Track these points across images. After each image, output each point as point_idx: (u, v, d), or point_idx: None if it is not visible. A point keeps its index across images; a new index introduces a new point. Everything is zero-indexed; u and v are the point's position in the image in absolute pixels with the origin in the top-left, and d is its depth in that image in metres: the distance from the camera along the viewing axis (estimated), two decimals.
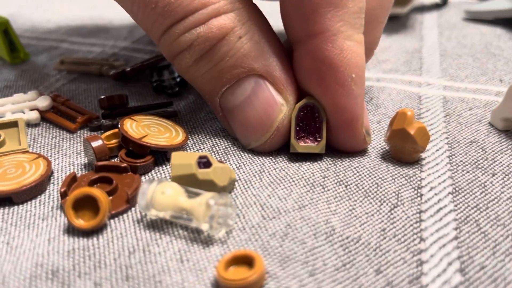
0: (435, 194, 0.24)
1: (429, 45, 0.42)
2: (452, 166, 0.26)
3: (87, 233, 0.22)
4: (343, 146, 0.27)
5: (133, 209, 0.23)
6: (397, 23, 0.47)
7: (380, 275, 0.20)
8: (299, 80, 0.26)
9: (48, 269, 0.20)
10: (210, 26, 0.24)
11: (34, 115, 0.30)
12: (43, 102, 0.30)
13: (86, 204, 0.22)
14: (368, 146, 0.28)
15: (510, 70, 0.37)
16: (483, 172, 0.26)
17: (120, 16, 0.49)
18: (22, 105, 0.31)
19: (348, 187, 0.25)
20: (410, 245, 0.21)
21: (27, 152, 0.27)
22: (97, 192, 0.22)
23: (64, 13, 0.52)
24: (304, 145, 0.26)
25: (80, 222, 0.22)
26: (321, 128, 0.26)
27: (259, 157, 0.27)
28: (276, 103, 0.25)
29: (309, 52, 0.25)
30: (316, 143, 0.26)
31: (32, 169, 0.25)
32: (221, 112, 0.27)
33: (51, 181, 0.25)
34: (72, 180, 0.24)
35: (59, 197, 0.24)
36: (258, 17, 0.26)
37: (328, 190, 0.24)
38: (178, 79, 0.34)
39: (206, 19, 0.24)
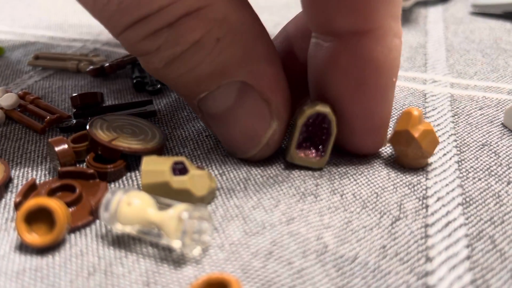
0: (443, 205, 0.21)
1: (435, 40, 0.39)
2: (461, 173, 0.23)
3: (42, 250, 0.19)
4: (360, 150, 0.24)
5: (97, 222, 0.20)
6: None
7: None
8: (318, 79, 0.22)
9: None
10: (180, 28, 0.19)
11: None
12: (8, 100, 0.28)
13: (41, 217, 0.19)
14: None
15: None
16: (497, 180, 0.23)
17: None
18: None
19: (343, 196, 0.22)
20: (414, 266, 0.18)
21: None
22: (54, 203, 0.19)
23: (47, 7, 0.49)
24: (304, 158, 0.23)
25: (33, 238, 0.19)
26: (327, 141, 0.23)
27: (246, 163, 0.24)
28: (264, 116, 0.22)
29: (352, 50, 0.21)
30: (318, 157, 0.23)
31: None
32: (200, 114, 0.23)
33: (9, 189, 0.22)
34: (30, 189, 0.21)
35: (9, 206, 0.21)
36: (241, 12, 0.21)
37: (321, 200, 0.21)
38: None
39: (175, 19, 0.19)
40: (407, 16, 0.45)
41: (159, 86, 0.31)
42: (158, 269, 0.18)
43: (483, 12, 0.45)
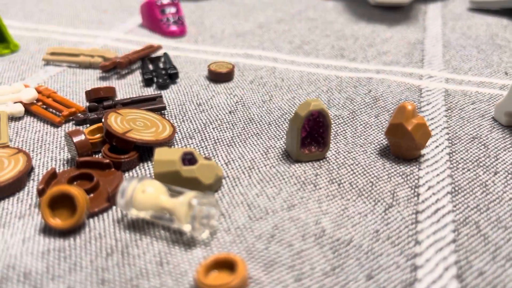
0: (433, 193, 0.23)
1: (432, 36, 0.41)
2: (452, 164, 0.25)
3: (64, 233, 0.21)
4: None
5: (114, 207, 0.22)
6: (399, 14, 0.46)
7: (371, 281, 0.18)
8: None
9: (20, 271, 0.19)
10: None
11: (18, 108, 0.29)
12: (28, 94, 0.29)
13: (63, 203, 0.21)
14: (365, 141, 0.26)
15: None
16: (484, 170, 0.24)
17: (115, 5, 0.48)
18: (6, 98, 0.30)
19: (341, 185, 0.23)
20: (404, 249, 0.20)
21: (7, 147, 0.26)
22: (75, 190, 0.21)
23: (58, 2, 0.51)
24: (308, 154, 0.24)
25: (56, 222, 0.20)
26: (326, 133, 0.24)
27: (250, 153, 0.25)
28: None
29: None
30: (320, 149, 0.25)
31: (11, 165, 0.24)
32: None
33: (31, 177, 0.24)
34: (51, 177, 0.23)
35: (32, 193, 0.22)
36: None
37: (320, 188, 0.23)
38: (169, 71, 0.33)
39: None
40: (406, 12, 0.46)
41: (168, 81, 0.32)
42: (170, 250, 0.20)
43: (481, 8, 0.47)
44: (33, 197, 0.23)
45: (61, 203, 0.21)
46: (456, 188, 0.23)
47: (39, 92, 0.31)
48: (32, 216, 0.22)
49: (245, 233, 0.20)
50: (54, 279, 0.19)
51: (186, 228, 0.20)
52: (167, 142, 0.25)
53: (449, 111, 0.30)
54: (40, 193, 0.22)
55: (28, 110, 0.30)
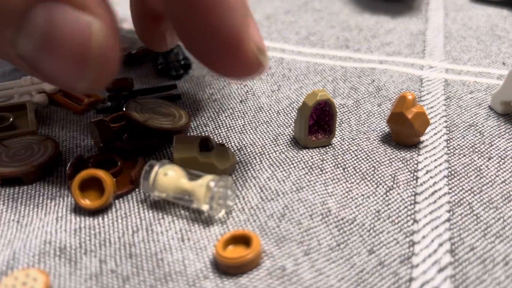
0: (431, 177, 0.25)
1: (434, 27, 0.42)
2: (449, 150, 0.27)
3: (93, 212, 0.23)
4: (230, 73, 0.22)
5: (137, 190, 0.24)
6: (402, 5, 0.47)
7: (373, 255, 0.20)
8: None
9: (56, 246, 0.21)
10: None
11: (42, 97, 0.31)
12: (51, 84, 0.31)
13: (92, 185, 0.23)
14: (368, 129, 0.28)
15: None
16: (479, 156, 0.26)
17: None
18: (30, 88, 0.32)
19: (345, 169, 0.25)
20: (403, 227, 0.22)
21: (36, 134, 0.28)
22: (103, 173, 0.23)
23: None
24: (315, 141, 0.26)
25: (86, 202, 0.22)
26: (331, 121, 0.26)
27: (260, 139, 0.27)
28: (82, 24, 0.18)
29: None
30: (326, 136, 0.26)
31: (41, 151, 0.26)
32: (23, 63, 0.19)
33: (59, 162, 0.26)
34: (79, 162, 0.25)
35: (67, 178, 0.24)
36: None
37: (326, 172, 0.25)
38: (182, 62, 0.35)
39: None
40: (409, 4, 0.47)
41: (181, 72, 0.34)
42: (190, 228, 0.22)
43: None
44: (62, 180, 0.25)
45: (90, 185, 0.23)
46: (452, 172, 0.25)
47: None
48: (62, 198, 0.24)
49: (258, 213, 0.22)
50: (86, 253, 0.21)
51: (205, 208, 0.22)
52: (184, 130, 0.27)
53: (448, 100, 0.31)
54: (69, 176, 0.24)
55: (52, 99, 0.31)
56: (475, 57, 0.37)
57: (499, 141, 0.27)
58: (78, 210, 0.23)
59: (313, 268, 0.20)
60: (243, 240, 0.20)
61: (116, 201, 0.23)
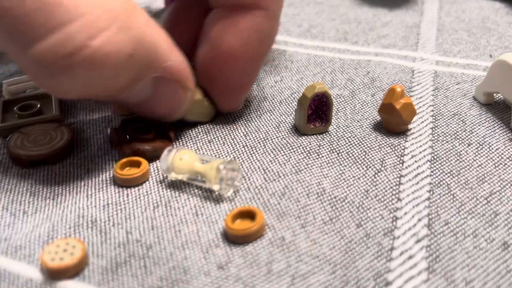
0: (415, 161, 0.28)
1: (428, 20, 0.45)
2: (433, 137, 0.30)
3: (119, 190, 0.26)
4: (221, 108, 0.31)
5: (156, 172, 0.27)
6: None
7: (360, 228, 0.24)
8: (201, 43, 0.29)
9: (88, 219, 0.24)
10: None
11: None
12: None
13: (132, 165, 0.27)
14: (362, 117, 0.31)
15: (501, 45, 0.40)
16: (460, 142, 0.29)
17: None
18: None
19: (339, 154, 0.28)
20: (388, 204, 0.25)
21: (61, 119, 0.31)
22: (140, 159, 0.27)
23: None
24: (313, 128, 0.29)
25: (128, 172, 0.26)
26: (328, 111, 0.29)
27: (264, 126, 0.31)
28: (180, 98, 0.27)
29: (223, 21, 0.28)
30: (323, 124, 0.30)
31: (58, 136, 0.29)
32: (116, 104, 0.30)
33: (82, 145, 0.29)
34: (121, 128, 0.29)
35: (90, 160, 0.28)
36: (146, 25, 0.24)
37: (322, 156, 0.28)
38: None
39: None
40: None
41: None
42: (203, 204, 0.25)
43: None
44: (81, 161, 0.28)
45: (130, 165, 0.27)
46: (435, 157, 0.28)
47: None
48: (90, 178, 0.27)
49: (261, 191, 0.26)
50: (114, 225, 0.24)
51: (215, 187, 0.25)
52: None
53: (436, 90, 0.34)
54: (113, 140, 0.28)
55: None
56: (465, 49, 0.39)
57: (479, 128, 0.30)
58: (106, 189, 0.26)
59: (309, 239, 0.23)
60: (248, 214, 0.24)
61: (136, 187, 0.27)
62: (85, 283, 0.21)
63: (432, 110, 0.32)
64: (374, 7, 0.47)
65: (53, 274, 0.21)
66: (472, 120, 0.31)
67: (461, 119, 0.31)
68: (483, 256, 0.22)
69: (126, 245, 0.23)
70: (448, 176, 0.27)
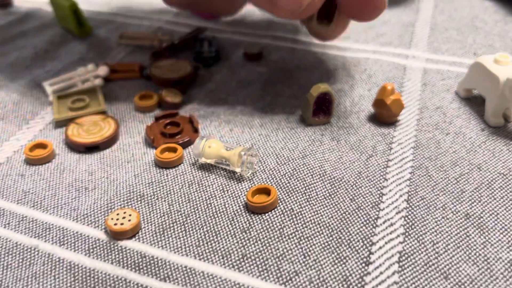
0: (401, 148, 0.34)
1: (423, 19, 0.50)
2: (418, 127, 0.35)
3: (160, 171, 0.32)
4: (362, 17, 0.34)
5: (189, 156, 0.34)
6: None
7: (353, 202, 0.30)
8: None
9: (137, 194, 0.31)
10: None
11: (100, 82, 0.40)
12: (103, 70, 0.41)
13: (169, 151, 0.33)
14: (359, 110, 0.37)
15: (486, 43, 0.45)
16: (440, 132, 0.35)
17: None
18: (87, 76, 0.41)
19: (339, 142, 0.34)
20: (376, 183, 0.31)
21: (104, 112, 0.37)
22: (177, 146, 0.33)
23: None
24: (317, 120, 0.35)
25: (167, 155, 0.32)
26: (330, 106, 0.35)
27: (276, 118, 0.37)
28: None
29: None
30: (326, 117, 0.35)
31: (106, 126, 0.35)
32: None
33: (126, 133, 0.36)
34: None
35: (134, 146, 0.34)
36: None
37: (324, 144, 0.34)
38: (214, 54, 0.43)
39: None
40: None
41: (211, 61, 0.43)
42: (228, 182, 0.31)
43: None
44: (126, 147, 0.34)
45: (168, 151, 0.33)
46: (418, 144, 0.34)
47: (113, 69, 0.42)
48: (135, 161, 0.33)
49: (275, 173, 0.32)
50: (158, 199, 0.30)
51: (237, 170, 0.31)
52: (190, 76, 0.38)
53: (424, 86, 0.40)
54: (152, 140, 0.34)
55: (108, 80, 0.41)
56: (452, 48, 0.45)
57: (457, 120, 0.36)
58: (148, 170, 0.33)
59: (312, 210, 0.29)
60: (264, 191, 0.30)
61: (171, 168, 0.33)
62: (140, 242, 0.28)
63: (419, 104, 0.38)
64: None
65: (116, 235, 0.28)
66: (452, 112, 0.37)
67: (443, 111, 0.37)
68: (448, 224, 0.28)
69: (169, 214, 0.29)
70: (427, 161, 0.33)
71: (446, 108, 0.37)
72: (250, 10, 0.53)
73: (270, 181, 0.31)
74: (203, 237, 0.28)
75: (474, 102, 0.38)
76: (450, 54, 0.44)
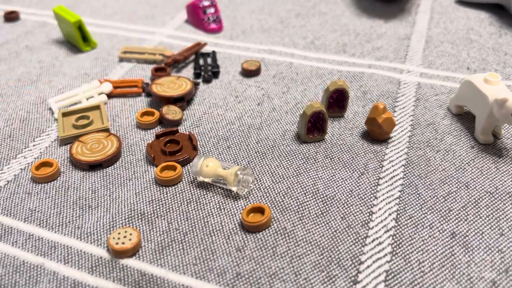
0: (392, 166, 0.35)
1: (419, 31, 0.51)
2: (409, 144, 0.37)
3: (160, 189, 0.34)
4: None
5: (187, 174, 0.35)
6: (396, 8, 0.55)
7: (344, 220, 0.31)
8: None
9: (138, 212, 0.32)
10: None
11: (104, 98, 0.42)
12: (107, 87, 0.42)
13: (169, 169, 0.34)
14: (353, 126, 0.38)
15: (480, 57, 0.46)
16: (431, 149, 0.36)
17: (163, 1, 0.59)
18: (92, 92, 0.42)
19: (332, 159, 0.36)
20: (367, 201, 0.32)
21: (108, 130, 0.39)
22: (176, 164, 0.34)
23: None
24: (312, 138, 0.37)
25: (167, 174, 0.34)
26: (324, 124, 0.36)
27: (273, 135, 0.38)
28: None
29: None
30: (320, 134, 0.37)
31: (109, 144, 0.37)
32: None
33: (128, 151, 0.37)
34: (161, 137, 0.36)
35: (135, 164, 0.36)
36: None
37: (318, 161, 0.35)
38: (213, 70, 0.45)
39: None
40: (402, 6, 0.56)
41: (211, 77, 0.44)
42: (225, 201, 0.33)
43: (468, 1, 0.55)
44: (132, 166, 0.36)
45: (167, 169, 0.34)
46: (408, 162, 0.35)
47: (116, 85, 0.43)
48: (136, 179, 0.35)
49: (269, 191, 0.33)
50: (158, 217, 0.32)
51: (234, 188, 0.33)
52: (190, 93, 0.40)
53: (417, 101, 0.41)
54: (153, 157, 0.35)
55: (111, 96, 0.42)
56: (446, 62, 0.46)
57: (448, 137, 0.37)
58: (149, 188, 0.34)
59: (304, 229, 0.31)
60: (259, 210, 0.31)
61: (171, 186, 0.34)
62: (140, 261, 0.29)
63: (412, 120, 0.39)
64: (371, 18, 0.53)
65: (117, 254, 0.29)
66: (443, 129, 0.38)
67: (435, 128, 0.38)
68: (434, 243, 0.29)
69: (168, 232, 0.31)
70: (417, 178, 0.34)
71: (438, 125, 0.38)
72: (248, 25, 0.54)
73: (265, 199, 0.33)
74: (199, 255, 0.29)
75: (466, 118, 0.39)
76: (444, 69, 0.45)
